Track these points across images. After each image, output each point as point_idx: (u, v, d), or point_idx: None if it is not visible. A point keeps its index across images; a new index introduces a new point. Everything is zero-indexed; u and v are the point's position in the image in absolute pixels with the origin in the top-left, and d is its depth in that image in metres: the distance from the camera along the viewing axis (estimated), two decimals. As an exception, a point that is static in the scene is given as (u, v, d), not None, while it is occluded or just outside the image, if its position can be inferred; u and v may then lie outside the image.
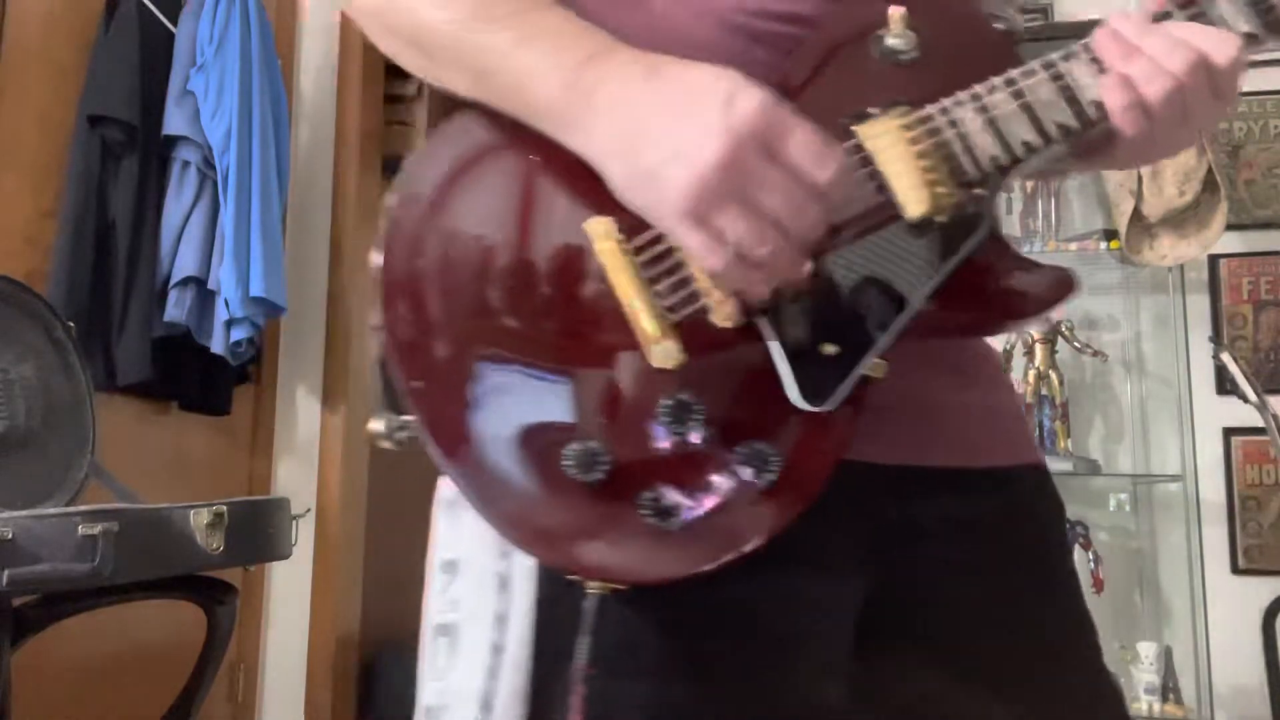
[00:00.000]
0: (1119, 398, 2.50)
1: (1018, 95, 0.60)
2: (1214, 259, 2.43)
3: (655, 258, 0.58)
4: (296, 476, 2.70)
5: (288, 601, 2.65)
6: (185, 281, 2.25)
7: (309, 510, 2.62)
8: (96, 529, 1.23)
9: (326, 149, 2.80)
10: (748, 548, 0.55)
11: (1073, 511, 2.29)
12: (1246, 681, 2.15)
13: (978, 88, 0.60)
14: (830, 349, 0.57)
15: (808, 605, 0.63)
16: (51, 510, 1.33)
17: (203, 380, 2.43)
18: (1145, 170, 2.25)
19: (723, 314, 0.57)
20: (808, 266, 0.57)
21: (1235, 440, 2.38)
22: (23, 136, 2.09)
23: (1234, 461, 2.38)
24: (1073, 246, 2.40)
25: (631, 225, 0.57)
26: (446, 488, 0.67)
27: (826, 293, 0.58)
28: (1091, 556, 2.21)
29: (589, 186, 0.59)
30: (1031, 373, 2.34)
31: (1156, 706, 2.15)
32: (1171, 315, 2.39)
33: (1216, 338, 2.36)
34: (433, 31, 0.64)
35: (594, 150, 0.58)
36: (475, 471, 0.58)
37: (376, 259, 0.61)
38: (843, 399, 0.57)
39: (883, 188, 0.59)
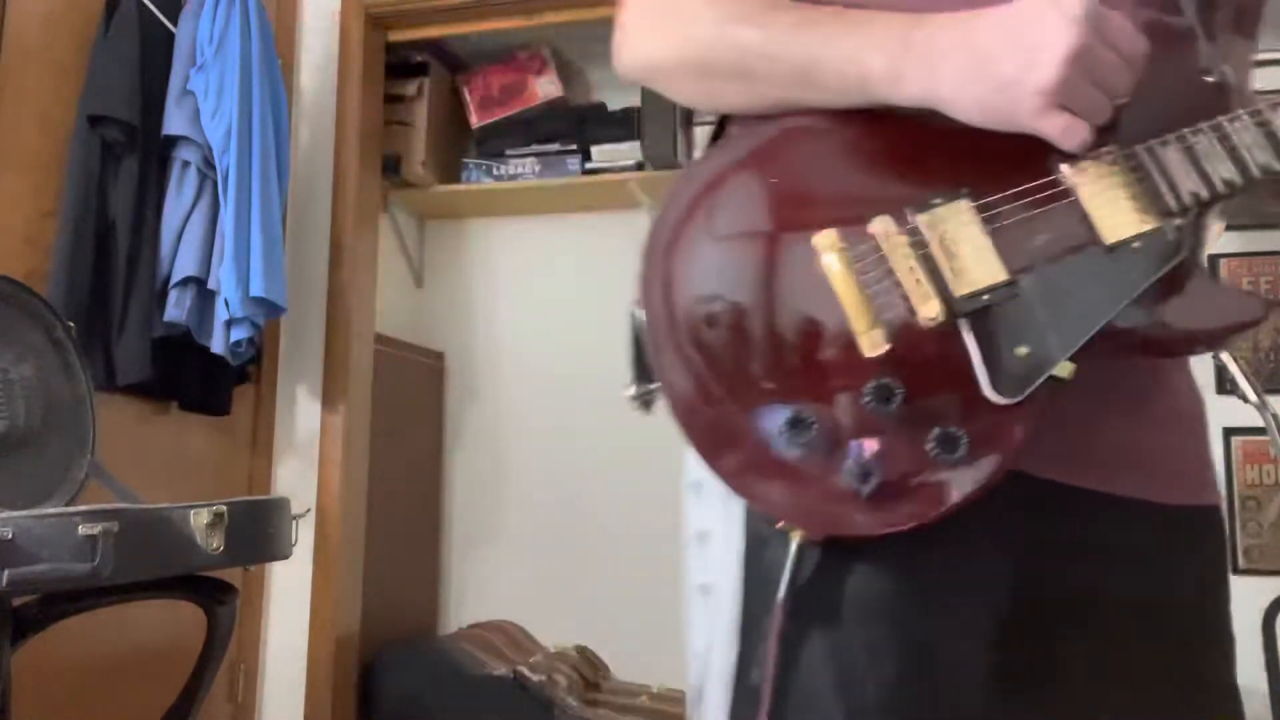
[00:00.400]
0: (1119, 398, 2.50)
1: (1223, 139, 0.68)
2: (1214, 259, 2.44)
3: (870, 263, 0.68)
4: (296, 476, 2.70)
5: (288, 601, 2.66)
6: (185, 281, 2.25)
7: (309, 510, 2.62)
8: (96, 529, 1.24)
9: (326, 149, 2.80)
10: (930, 517, 0.65)
11: (1073, 511, 2.29)
12: (1246, 681, 2.15)
13: (1184, 130, 0.68)
14: (1022, 350, 0.66)
15: (963, 589, 0.69)
16: (51, 510, 1.34)
17: (203, 380, 2.43)
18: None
19: (926, 315, 0.67)
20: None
21: (1235, 440, 2.38)
22: (23, 136, 2.09)
23: (1234, 461, 2.38)
24: (1073, 246, 2.39)
25: (850, 237, 0.68)
26: (693, 470, 0.80)
27: (1024, 302, 0.67)
28: (1091, 556, 2.21)
29: (820, 199, 0.71)
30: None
31: (1156, 706, 2.15)
32: (1171, 315, 2.38)
33: (1216, 338, 2.35)
34: (757, 52, 0.74)
35: (943, 89, 0.68)
36: (707, 431, 0.70)
37: (646, 237, 0.73)
38: (1029, 393, 0.65)
39: (1085, 218, 0.68)
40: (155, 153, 2.29)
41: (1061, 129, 0.65)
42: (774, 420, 0.67)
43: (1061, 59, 0.63)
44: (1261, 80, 2.67)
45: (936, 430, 0.65)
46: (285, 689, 2.63)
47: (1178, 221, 0.67)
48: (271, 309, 2.37)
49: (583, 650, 3.10)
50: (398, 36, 2.95)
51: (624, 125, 3.10)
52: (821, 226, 0.69)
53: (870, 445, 0.66)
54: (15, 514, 1.23)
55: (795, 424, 0.66)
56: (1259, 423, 2.10)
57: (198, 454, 2.51)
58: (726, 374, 0.70)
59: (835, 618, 0.69)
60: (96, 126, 2.19)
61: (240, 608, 1.69)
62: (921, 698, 0.68)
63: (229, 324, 2.27)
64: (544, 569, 3.25)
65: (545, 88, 3.22)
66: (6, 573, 1.18)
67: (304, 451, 2.71)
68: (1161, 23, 0.72)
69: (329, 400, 2.70)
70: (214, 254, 2.29)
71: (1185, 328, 0.68)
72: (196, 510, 1.41)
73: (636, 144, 3.05)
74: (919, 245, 0.69)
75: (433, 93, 3.21)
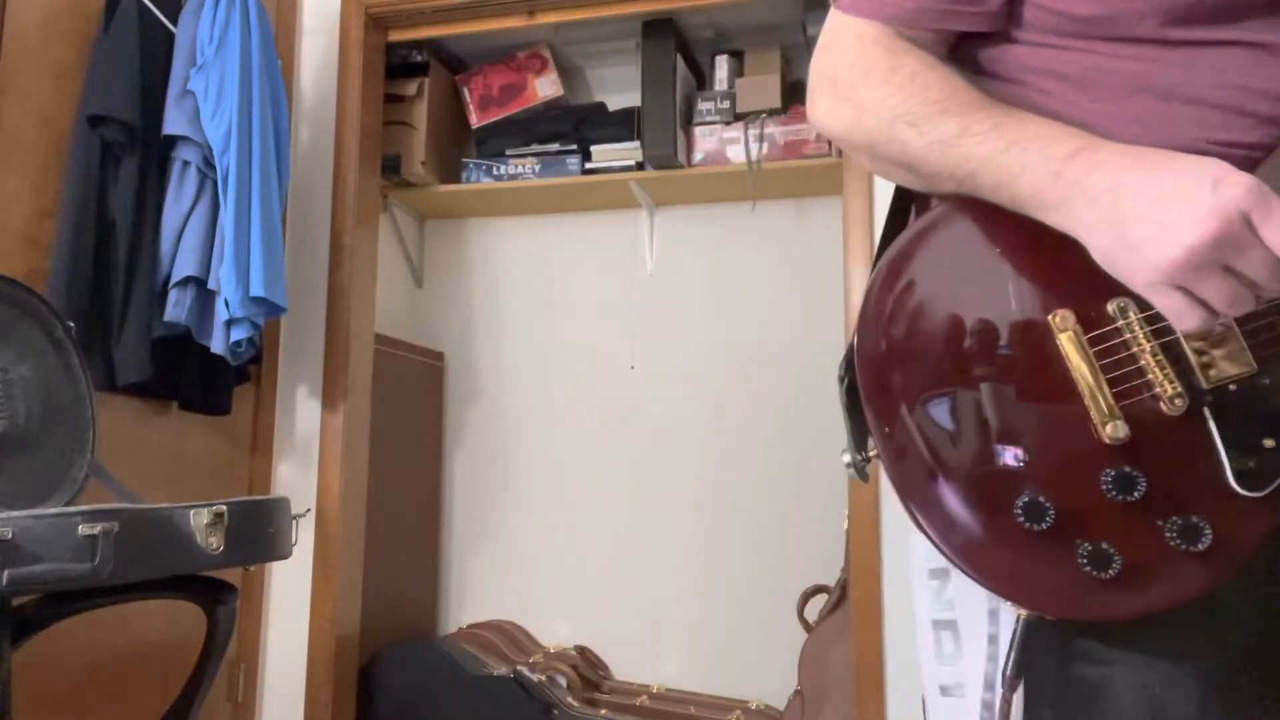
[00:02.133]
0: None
1: None
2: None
3: (1110, 348, 0.68)
4: (296, 476, 2.70)
5: (288, 601, 2.66)
6: (185, 281, 2.25)
7: (309, 510, 2.62)
8: (96, 529, 1.24)
9: (326, 149, 2.80)
10: (1167, 605, 0.65)
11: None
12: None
13: None
14: (1270, 442, 0.65)
15: (1211, 641, 0.69)
16: (51, 510, 1.33)
17: (203, 380, 2.43)
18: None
19: (1171, 403, 0.66)
20: None
21: (1235, 440, 2.38)
22: (23, 136, 2.09)
23: None
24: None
25: (1088, 319, 0.69)
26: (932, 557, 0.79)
27: (1272, 394, 0.66)
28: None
29: (1054, 277, 0.70)
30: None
31: (1157, 706, 2.15)
32: (1171, 315, 2.38)
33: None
34: (918, 156, 0.76)
35: (1079, 226, 0.68)
36: (929, 507, 0.70)
37: (865, 323, 0.74)
38: (1276, 487, 0.65)
39: None
40: (155, 153, 2.29)
41: (1174, 310, 0.64)
42: (1009, 504, 0.67)
43: (1187, 245, 0.62)
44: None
45: (1178, 520, 0.65)
46: (285, 689, 2.63)
47: None
48: (271, 309, 2.37)
49: (583, 650, 3.10)
50: (398, 36, 2.95)
51: (624, 125, 3.10)
52: (1052, 305, 0.69)
53: (1103, 533, 0.66)
54: (15, 514, 1.23)
55: (1031, 508, 0.66)
56: (1259, 423, 2.10)
57: (198, 454, 2.51)
58: (952, 452, 0.70)
59: (1068, 701, 0.69)
60: (96, 126, 2.19)
61: (240, 608, 1.69)
62: None
63: (229, 324, 2.27)
64: (544, 569, 3.25)
65: (545, 88, 3.22)
66: (6, 573, 1.18)
67: (304, 451, 2.71)
68: None
69: (329, 400, 2.70)
70: (214, 254, 2.29)
71: None
72: (196, 510, 1.41)
73: (636, 144, 3.05)
74: (1163, 332, 0.68)
75: (433, 93, 3.21)
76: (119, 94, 2.20)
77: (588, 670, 2.98)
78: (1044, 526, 0.66)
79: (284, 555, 1.63)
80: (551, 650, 3.07)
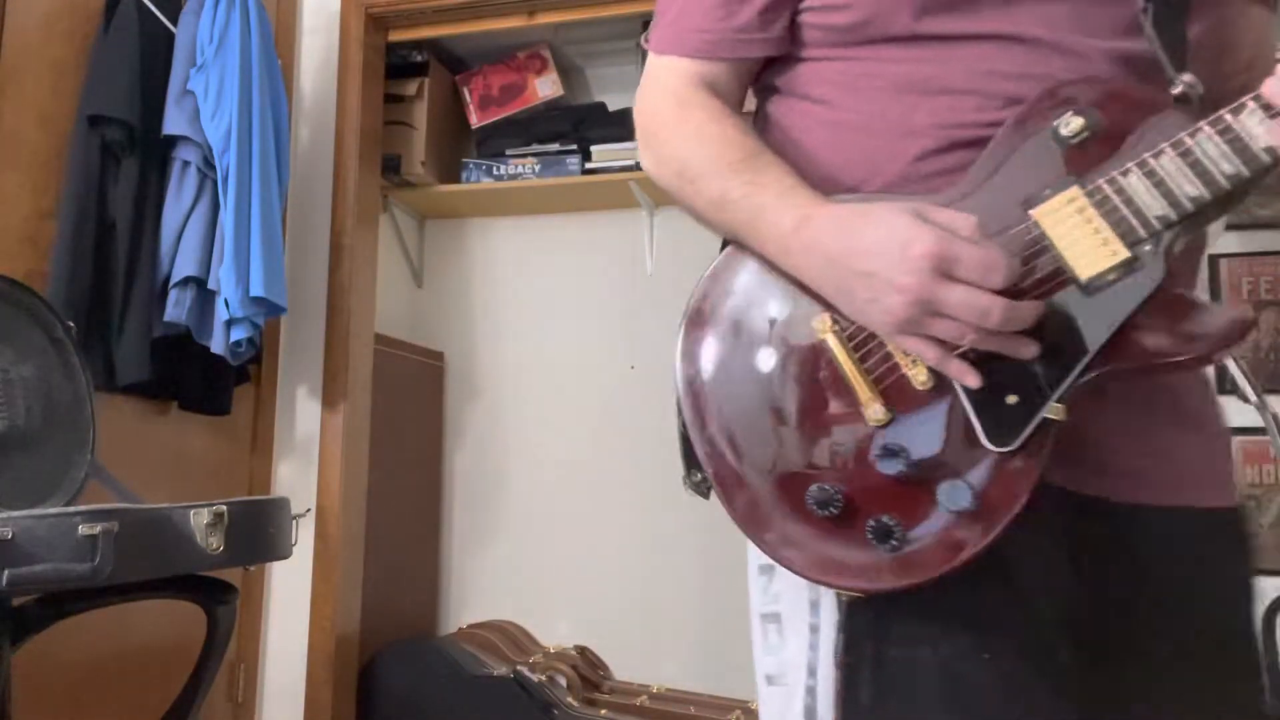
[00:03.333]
0: (1119, 398, 2.49)
1: (1185, 155, 0.67)
2: (1214, 259, 2.43)
3: (863, 340, 0.75)
4: (296, 476, 2.70)
5: (288, 601, 2.66)
6: (185, 281, 2.25)
7: (309, 510, 2.62)
8: (96, 529, 1.24)
9: (326, 149, 2.80)
10: (948, 566, 0.69)
11: (1073, 511, 2.28)
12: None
13: (1146, 155, 0.68)
14: (1013, 399, 0.69)
15: (1016, 610, 0.73)
16: (51, 510, 1.33)
17: (203, 380, 2.43)
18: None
19: (918, 378, 0.72)
20: (1024, 346, 0.69)
21: (1235, 440, 2.37)
22: (23, 136, 2.09)
23: (1234, 462, 2.38)
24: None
25: (845, 318, 0.75)
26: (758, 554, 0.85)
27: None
28: (1091, 556, 2.21)
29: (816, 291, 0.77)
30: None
31: (1156, 706, 2.15)
32: (1171, 315, 2.38)
33: (1216, 338, 2.35)
34: (699, 212, 0.85)
35: (822, 292, 0.76)
36: (747, 510, 0.76)
37: (678, 362, 0.82)
38: (1025, 440, 0.68)
39: (1058, 258, 0.70)
40: (155, 153, 2.29)
41: (917, 352, 0.72)
42: (800, 496, 0.73)
43: (892, 311, 0.70)
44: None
45: (945, 484, 0.69)
46: (285, 689, 2.63)
47: (1148, 247, 0.68)
48: (271, 309, 2.37)
49: (583, 650, 3.10)
50: (398, 36, 2.95)
51: (624, 125, 3.10)
52: (817, 312, 0.76)
53: (884, 508, 0.71)
54: (15, 514, 1.23)
55: (821, 496, 0.72)
56: (1259, 423, 2.10)
57: (198, 454, 2.51)
58: (753, 459, 0.76)
59: (928, 640, 0.73)
60: (96, 126, 2.19)
61: (240, 608, 1.69)
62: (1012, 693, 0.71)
63: (229, 324, 2.27)
64: (544, 569, 3.25)
65: (545, 88, 3.22)
66: (6, 573, 1.18)
67: (304, 451, 2.71)
68: (1121, 50, 0.75)
69: (329, 400, 2.70)
70: (214, 254, 2.29)
71: (1174, 351, 0.68)
72: (196, 510, 1.41)
73: (636, 144, 3.04)
74: None
75: (433, 93, 3.21)
76: (119, 94, 2.20)
77: (588, 670, 2.98)
78: (835, 511, 0.72)
79: (284, 555, 1.63)
80: (551, 650, 3.07)
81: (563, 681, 2.79)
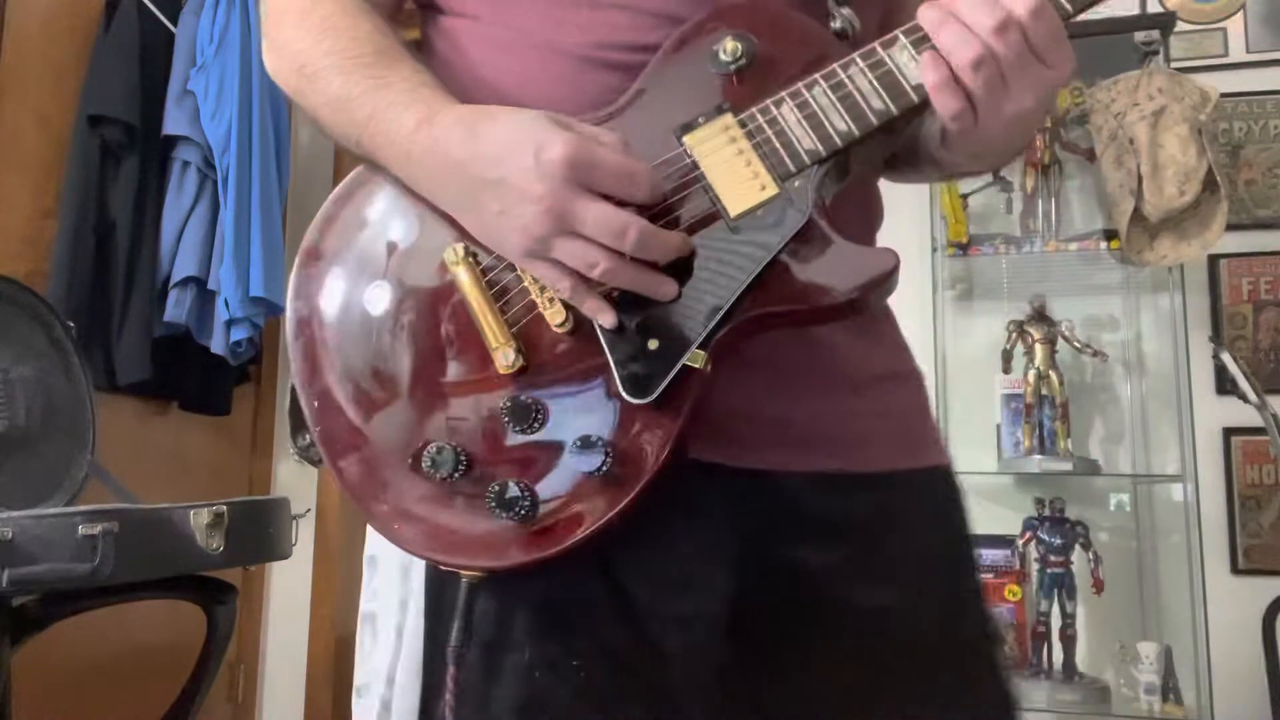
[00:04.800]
0: (1119, 398, 2.49)
1: (838, 88, 0.63)
2: (1214, 259, 2.43)
3: (499, 275, 0.64)
4: (296, 476, 2.70)
5: (288, 601, 2.66)
6: (185, 281, 2.25)
7: (309, 510, 2.62)
8: (96, 529, 1.24)
9: (326, 149, 2.80)
10: (582, 534, 0.59)
11: (1073, 512, 2.28)
12: (1246, 681, 2.15)
13: (800, 85, 0.63)
14: (654, 344, 0.61)
15: (672, 590, 0.65)
16: (51, 510, 1.33)
17: (203, 380, 2.43)
18: (1145, 169, 2.25)
19: (554, 319, 0.62)
20: (664, 284, 0.61)
21: (1235, 440, 2.37)
22: (23, 136, 2.09)
23: (1234, 461, 2.37)
24: (1073, 246, 2.39)
25: (482, 248, 0.65)
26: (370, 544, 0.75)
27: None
28: (1091, 557, 2.21)
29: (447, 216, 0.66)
30: (1032, 373, 2.34)
31: (1156, 706, 2.15)
32: (1171, 315, 2.38)
33: (1216, 337, 2.35)
34: (318, 114, 0.75)
35: (445, 207, 0.66)
36: (359, 477, 0.64)
37: (289, 303, 0.71)
38: (664, 390, 0.60)
39: (708, 190, 0.63)
40: (155, 153, 2.29)
41: (548, 279, 0.62)
42: (417, 457, 0.62)
43: (524, 227, 0.60)
44: (1262, 80, 2.66)
45: (577, 443, 0.60)
46: (285, 689, 2.63)
47: (798, 183, 0.63)
48: (271, 309, 2.37)
49: (583, 650, 3.10)
50: (398, 36, 2.95)
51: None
52: (450, 241, 0.65)
53: (513, 471, 0.60)
54: (15, 514, 1.23)
55: (440, 455, 0.61)
56: (1259, 423, 2.10)
57: (198, 454, 2.51)
58: (368, 416, 0.65)
59: (518, 651, 0.64)
60: (96, 126, 2.19)
61: (240, 608, 1.69)
62: (610, 699, 0.63)
63: (229, 324, 2.27)
64: (544, 569, 3.25)
65: (545, 88, 3.21)
66: (6, 573, 1.18)
67: (304, 451, 2.70)
68: None
69: (329, 400, 2.70)
70: (214, 254, 2.29)
71: (821, 293, 0.62)
72: (196, 510, 1.42)
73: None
74: None
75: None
76: (119, 94, 2.20)
77: (588, 670, 2.98)
78: (457, 475, 0.60)
79: (284, 555, 1.63)
80: (551, 650, 3.06)
81: (563, 681, 2.79)
